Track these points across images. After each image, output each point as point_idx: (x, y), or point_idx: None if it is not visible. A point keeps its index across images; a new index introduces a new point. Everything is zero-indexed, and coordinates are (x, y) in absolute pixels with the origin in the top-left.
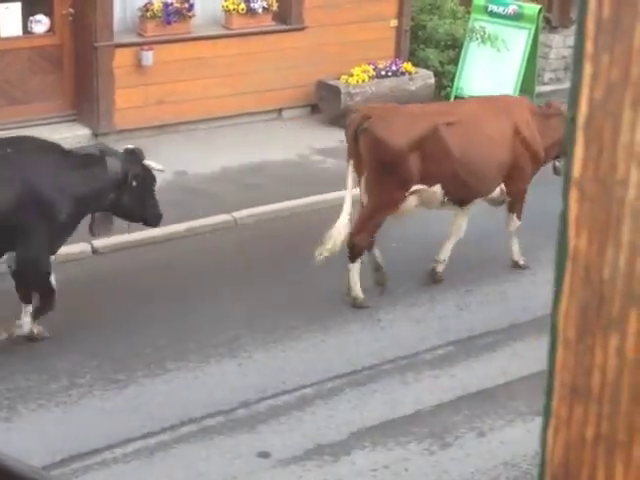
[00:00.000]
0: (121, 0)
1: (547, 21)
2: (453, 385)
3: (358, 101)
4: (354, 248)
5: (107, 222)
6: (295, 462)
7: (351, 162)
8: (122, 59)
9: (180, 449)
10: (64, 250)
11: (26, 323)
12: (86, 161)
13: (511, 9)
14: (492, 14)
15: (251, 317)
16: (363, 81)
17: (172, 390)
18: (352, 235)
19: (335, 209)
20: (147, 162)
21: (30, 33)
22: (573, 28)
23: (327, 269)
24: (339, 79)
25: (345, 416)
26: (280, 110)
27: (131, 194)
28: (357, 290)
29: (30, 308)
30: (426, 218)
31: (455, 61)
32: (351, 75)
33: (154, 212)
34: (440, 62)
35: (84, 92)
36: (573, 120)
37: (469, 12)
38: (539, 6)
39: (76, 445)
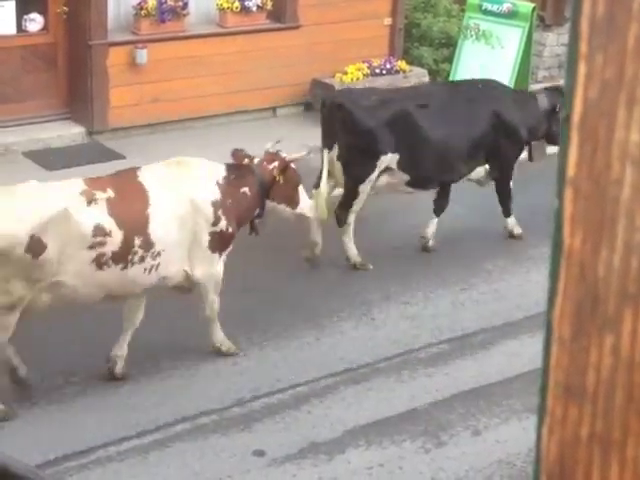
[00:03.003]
0: None
1: (541, 19)
2: (448, 383)
3: None
4: None
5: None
6: (290, 461)
7: None
8: (116, 57)
9: (175, 448)
10: None
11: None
12: (526, 97)
13: (505, 7)
14: (486, 12)
15: (245, 316)
16: (357, 79)
17: (167, 389)
18: None
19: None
20: None
21: (24, 31)
22: (567, 26)
23: (321, 267)
24: (333, 77)
25: (340, 414)
26: (274, 108)
27: (558, 124)
28: None
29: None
30: (418, 215)
31: (449, 59)
32: (345, 73)
33: None
34: (434, 60)
35: (78, 90)
36: (568, 119)
37: (463, 10)
38: (533, 4)
39: (70, 444)
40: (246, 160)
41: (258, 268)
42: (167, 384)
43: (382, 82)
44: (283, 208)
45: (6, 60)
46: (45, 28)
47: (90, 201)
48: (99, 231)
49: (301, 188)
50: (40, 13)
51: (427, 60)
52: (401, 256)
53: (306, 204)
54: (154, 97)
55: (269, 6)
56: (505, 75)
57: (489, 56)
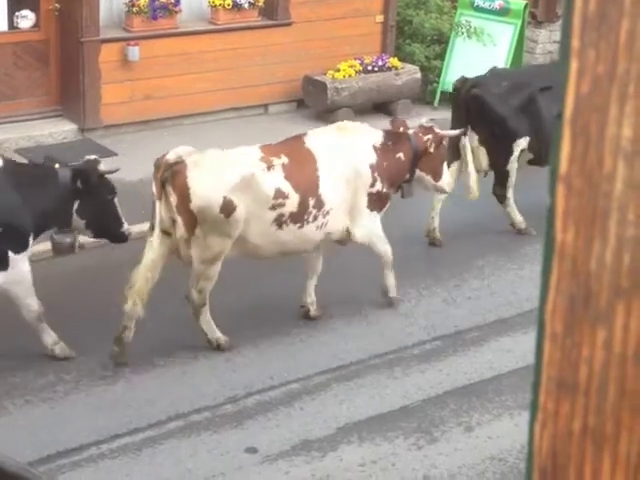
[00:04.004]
0: None
1: (533, 16)
2: (440, 380)
3: (345, 96)
4: None
5: None
6: (282, 458)
7: None
8: (108, 54)
9: (167, 445)
10: (48, 246)
11: None
12: None
13: (497, 4)
14: (478, 9)
15: (239, 313)
16: (350, 76)
17: (160, 386)
18: None
19: None
20: None
21: (16, 28)
22: (559, 23)
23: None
24: (325, 74)
25: (332, 411)
26: (266, 105)
27: None
28: None
29: None
30: (411, 213)
31: (441, 56)
32: (337, 70)
33: None
34: (426, 57)
35: (70, 87)
36: (560, 116)
37: (455, 7)
38: (525, 1)
39: (63, 441)
40: (402, 128)
41: (251, 266)
42: (160, 381)
43: (374, 79)
44: (428, 179)
45: None
46: (37, 25)
47: (269, 167)
48: (279, 194)
49: (445, 164)
50: (32, 10)
51: (419, 57)
52: (393, 253)
53: (446, 180)
54: (146, 94)
55: (261, 3)
56: None
57: (481, 53)
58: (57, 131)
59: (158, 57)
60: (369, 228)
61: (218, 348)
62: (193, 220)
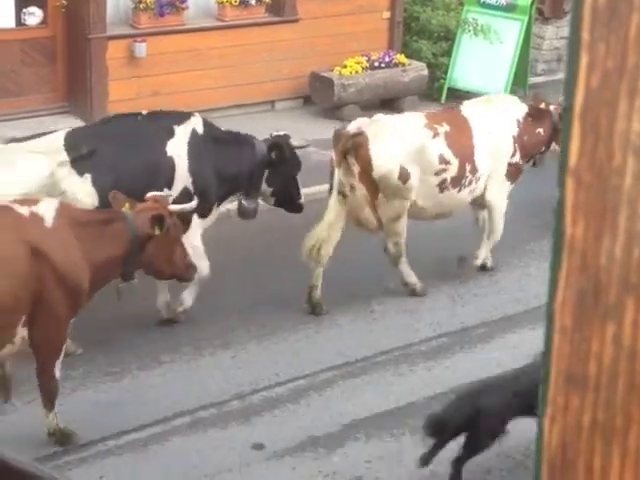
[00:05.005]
0: None
1: (540, 12)
2: (447, 376)
3: (351, 93)
4: None
5: None
6: (289, 454)
7: None
8: (115, 51)
9: (174, 441)
10: None
11: None
12: None
13: (504, 0)
14: (485, 5)
15: (244, 309)
16: (356, 72)
17: (166, 382)
18: None
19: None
20: None
21: (23, 25)
22: (566, 19)
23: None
24: (332, 71)
25: (339, 408)
26: (273, 102)
27: None
28: None
29: None
30: None
31: (448, 53)
32: (344, 67)
33: None
34: (433, 54)
35: (77, 84)
36: (569, 110)
37: (462, 3)
38: None
39: None
40: (543, 104)
41: (257, 262)
42: (166, 378)
43: (381, 76)
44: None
45: (5, 54)
46: (44, 22)
47: (435, 135)
48: (442, 160)
49: None
50: (39, 6)
51: (426, 54)
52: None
53: None
54: (153, 91)
55: None
56: (504, 69)
57: (488, 51)
58: (64, 128)
59: (165, 54)
60: (501, 197)
61: (413, 293)
62: (375, 187)
